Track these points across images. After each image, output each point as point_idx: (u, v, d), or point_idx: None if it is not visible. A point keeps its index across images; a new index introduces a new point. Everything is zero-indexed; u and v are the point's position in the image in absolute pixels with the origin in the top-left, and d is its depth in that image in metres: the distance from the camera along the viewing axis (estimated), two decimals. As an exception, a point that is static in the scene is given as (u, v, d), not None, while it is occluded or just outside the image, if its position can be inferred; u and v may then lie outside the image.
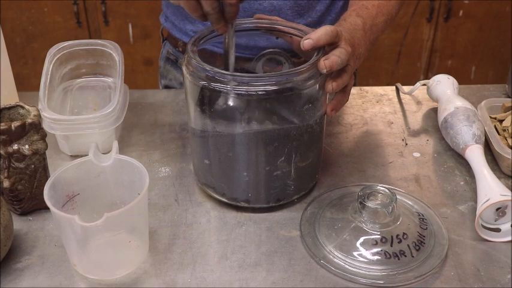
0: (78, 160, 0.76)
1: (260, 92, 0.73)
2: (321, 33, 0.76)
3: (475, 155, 0.87)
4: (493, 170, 0.85)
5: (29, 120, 0.77)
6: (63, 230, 0.71)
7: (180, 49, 1.14)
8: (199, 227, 0.81)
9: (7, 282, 0.73)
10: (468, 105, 0.95)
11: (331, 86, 0.78)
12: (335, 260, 0.75)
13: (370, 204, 0.76)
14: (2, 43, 0.96)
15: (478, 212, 0.78)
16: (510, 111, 0.97)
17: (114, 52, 0.99)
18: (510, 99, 1.01)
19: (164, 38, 1.21)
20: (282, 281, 0.73)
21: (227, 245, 0.78)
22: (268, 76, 0.75)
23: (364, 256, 0.74)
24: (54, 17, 2.22)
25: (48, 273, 0.74)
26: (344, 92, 0.82)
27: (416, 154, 0.96)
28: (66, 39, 1.00)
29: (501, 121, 0.97)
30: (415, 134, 1.01)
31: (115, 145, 0.77)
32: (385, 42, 2.29)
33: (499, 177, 0.83)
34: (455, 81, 1.05)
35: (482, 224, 0.79)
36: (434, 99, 1.06)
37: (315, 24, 1.04)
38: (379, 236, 0.75)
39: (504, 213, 0.79)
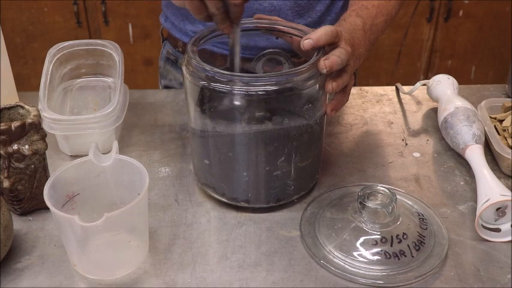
0: (78, 160, 0.76)
1: (260, 92, 0.73)
2: (321, 33, 0.76)
3: (475, 155, 0.87)
4: (493, 170, 0.85)
5: (29, 120, 0.77)
6: (63, 230, 0.71)
7: (180, 49, 1.14)
8: (199, 227, 0.81)
9: (7, 282, 0.73)
10: (468, 105, 0.95)
11: (331, 86, 0.78)
12: (335, 260, 0.75)
13: (370, 204, 0.76)
14: (2, 43, 0.96)
15: (478, 212, 0.78)
16: (510, 111, 0.97)
17: (114, 52, 0.99)
18: (510, 99, 1.01)
19: (164, 38, 1.21)
20: (282, 281, 0.73)
21: (227, 245, 0.78)
22: (268, 76, 0.75)
23: (364, 256, 0.74)
24: (54, 17, 2.22)
25: (48, 273, 0.74)
26: (344, 92, 0.82)
27: (416, 154, 0.96)
28: (66, 39, 1.00)
29: (501, 121, 0.97)
30: (415, 134, 1.01)
31: (115, 145, 0.77)
32: (385, 42, 2.29)
33: (499, 177, 0.83)
34: (455, 81, 1.05)
35: (482, 224, 0.79)
36: (434, 99, 1.06)
37: (315, 24, 1.04)
38: (379, 236, 0.75)
39: (504, 213, 0.79)
